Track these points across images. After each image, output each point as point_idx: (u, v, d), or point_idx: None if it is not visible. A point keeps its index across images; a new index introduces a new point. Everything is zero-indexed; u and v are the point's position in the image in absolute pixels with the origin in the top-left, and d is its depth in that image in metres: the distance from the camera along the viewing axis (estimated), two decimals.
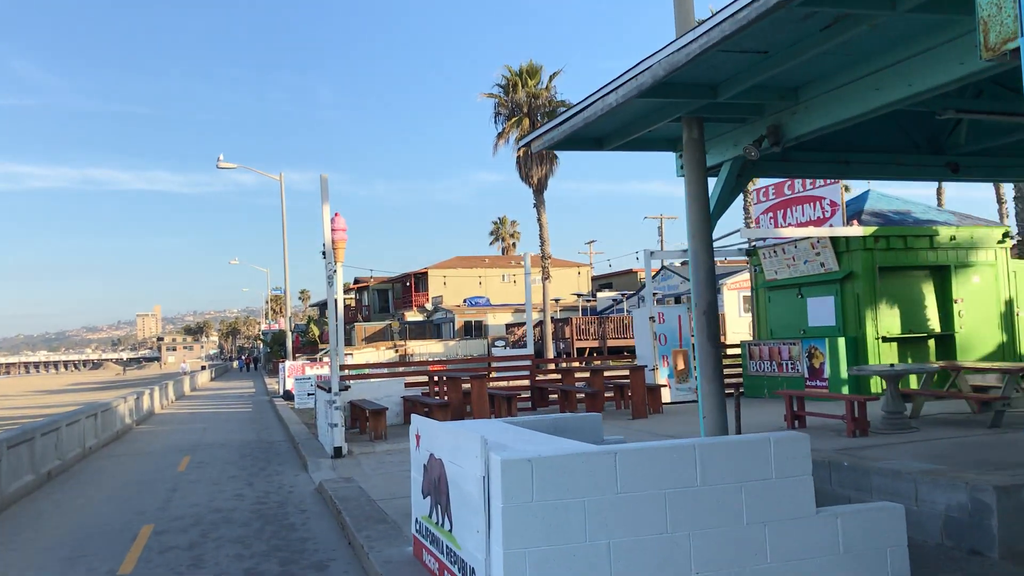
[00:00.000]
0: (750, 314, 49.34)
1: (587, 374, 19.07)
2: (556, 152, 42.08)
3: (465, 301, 63.55)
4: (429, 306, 66.06)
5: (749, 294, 47.87)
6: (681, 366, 18.56)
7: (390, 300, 75.25)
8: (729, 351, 22.96)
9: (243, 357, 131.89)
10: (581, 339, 44.64)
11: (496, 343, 36.60)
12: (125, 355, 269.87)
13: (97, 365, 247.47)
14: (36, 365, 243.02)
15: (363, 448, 13.96)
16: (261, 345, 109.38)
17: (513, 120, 41.58)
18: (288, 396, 31.79)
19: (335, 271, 13.99)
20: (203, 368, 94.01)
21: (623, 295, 50.60)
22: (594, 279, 72.78)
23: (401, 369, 22.16)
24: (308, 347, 72.00)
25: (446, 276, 67.86)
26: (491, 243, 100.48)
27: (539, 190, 42.01)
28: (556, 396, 18.78)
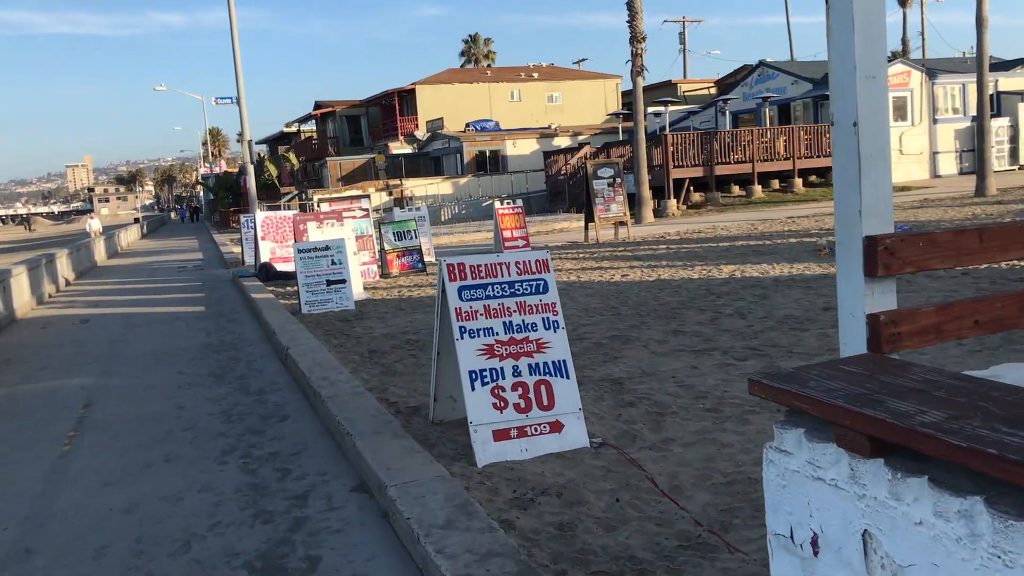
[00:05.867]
0: (906, 123, 35.50)
1: None
2: None
3: (469, 126, 48.67)
4: (421, 134, 51.02)
5: (904, 95, 33.80)
6: None
7: (364, 129, 59.77)
8: None
9: (184, 206, 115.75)
10: (680, 166, 30.56)
11: (603, 178, 22.15)
12: (56, 208, 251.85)
13: (26, 220, 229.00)
14: None
15: None
16: (202, 192, 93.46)
17: None
18: (268, 274, 17.58)
19: None
20: (135, 221, 78.47)
21: (723, 100, 36.18)
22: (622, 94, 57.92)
23: None
24: (264, 192, 56.55)
25: (441, 94, 52.43)
26: (462, 66, 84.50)
27: None
28: None
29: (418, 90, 52.50)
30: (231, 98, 26.12)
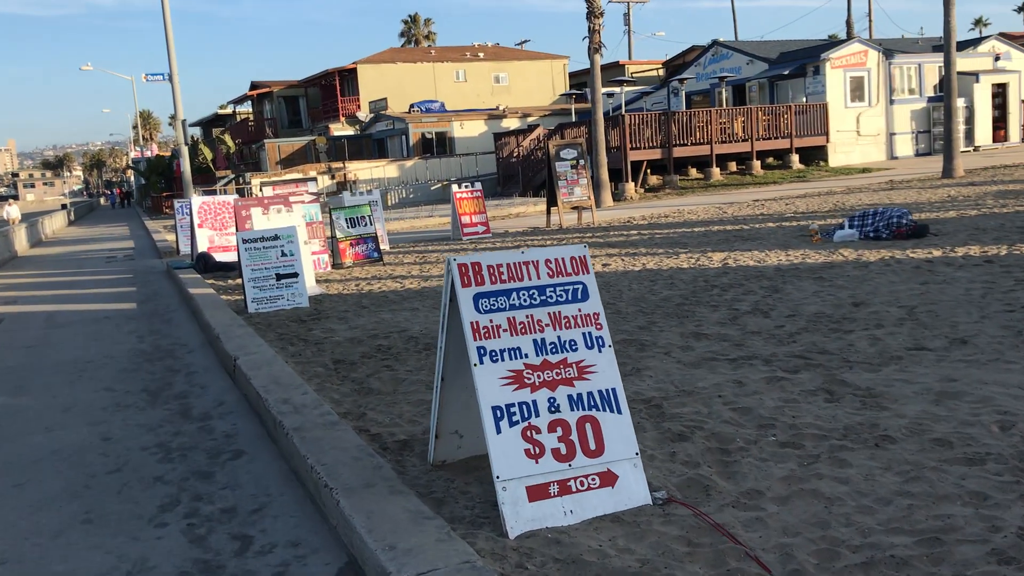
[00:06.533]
0: (863, 104, 34.85)
1: None
2: None
3: (414, 107, 47.01)
4: (364, 115, 49.23)
5: (861, 75, 33.23)
6: None
7: (303, 110, 57.67)
8: None
9: (114, 191, 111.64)
10: (637, 148, 29.51)
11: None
12: None
13: None
14: None
15: None
16: (133, 176, 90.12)
17: None
18: (207, 265, 16.04)
19: None
20: (63, 207, 74.94)
21: (679, 80, 35.16)
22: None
23: None
24: (198, 176, 54.12)
25: (383, 74, 50.65)
26: (402, 46, 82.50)
27: None
28: None
29: (359, 69, 50.64)
30: (163, 74, 24.23)
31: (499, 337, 4.06)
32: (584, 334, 4.20)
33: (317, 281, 12.85)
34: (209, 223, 17.55)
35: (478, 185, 19.93)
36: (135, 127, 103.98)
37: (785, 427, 4.83)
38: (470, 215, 19.19)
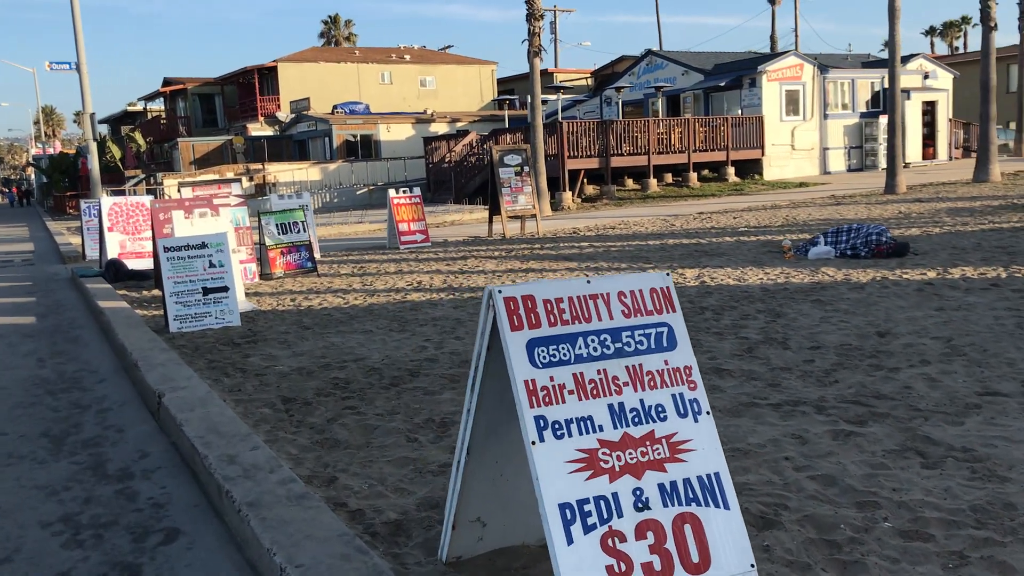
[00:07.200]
0: (798, 118, 34.67)
1: None
2: None
3: (337, 108, 45.40)
4: (284, 115, 47.32)
5: (797, 88, 33.07)
6: None
7: (219, 109, 55.27)
8: None
9: (12, 189, 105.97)
10: (575, 157, 28.63)
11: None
12: None
13: None
14: None
15: None
16: (34, 174, 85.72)
17: None
18: (118, 274, 14.42)
19: None
20: None
21: (615, 89, 34.42)
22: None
23: None
24: (106, 175, 51.22)
25: (305, 73, 48.80)
26: (322, 47, 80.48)
27: None
28: None
29: (280, 68, 48.68)
30: (70, 63, 22.27)
31: (563, 402, 2.90)
32: (674, 396, 3.06)
33: (247, 294, 11.43)
34: (120, 226, 15.87)
35: (416, 191, 18.70)
36: (36, 122, 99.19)
37: (892, 506, 3.78)
38: (408, 222, 17.95)
